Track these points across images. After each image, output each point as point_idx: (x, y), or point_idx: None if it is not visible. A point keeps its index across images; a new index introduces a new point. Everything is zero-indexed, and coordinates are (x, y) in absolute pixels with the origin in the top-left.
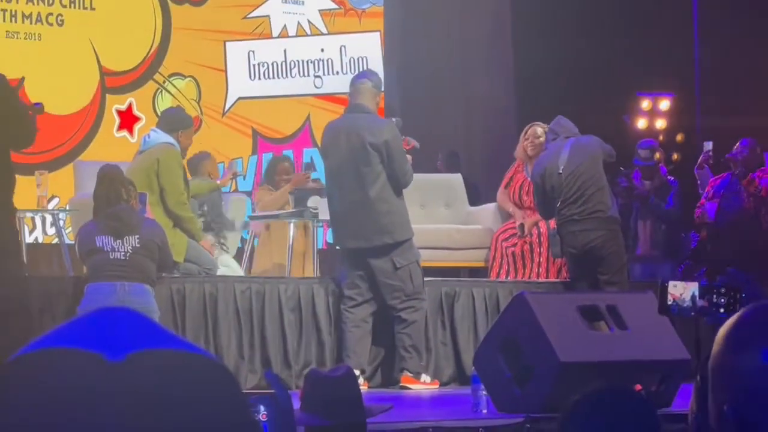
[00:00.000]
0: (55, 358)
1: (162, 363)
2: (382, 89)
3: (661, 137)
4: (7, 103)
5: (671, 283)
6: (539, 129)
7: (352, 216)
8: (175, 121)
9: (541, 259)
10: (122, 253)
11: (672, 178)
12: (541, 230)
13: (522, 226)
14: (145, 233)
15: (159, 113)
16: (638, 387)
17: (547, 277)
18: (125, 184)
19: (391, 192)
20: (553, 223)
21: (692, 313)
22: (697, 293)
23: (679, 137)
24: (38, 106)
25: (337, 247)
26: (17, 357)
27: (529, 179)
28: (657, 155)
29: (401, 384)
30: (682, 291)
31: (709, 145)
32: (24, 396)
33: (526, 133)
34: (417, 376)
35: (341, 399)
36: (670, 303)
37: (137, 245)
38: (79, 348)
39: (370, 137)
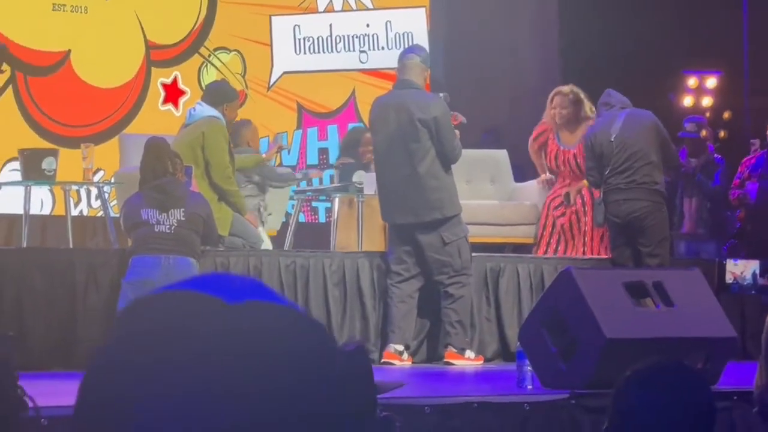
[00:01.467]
0: (177, 299)
1: (275, 313)
2: (429, 65)
3: (707, 115)
4: None
5: (730, 261)
6: (563, 98)
7: (401, 191)
8: (220, 94)
9: (586, 229)
10: (167, 226)
11: (719, 156)
12: (585, 198)
13: (567, 195)
14: (191, 206)
15: (204, 87)
16: None
17: (591, 249)
18: (171, 156)
19: (440, 167)
20: (597, 192)
21: (753, 291)
22: (758, 271)
23: (726, 115)
24: None
25: (385, 222)
26: (141, 299)
27: (562, 148)
28: (703, 132)
29: (445, 360)
30: (743, 269)
31: (756, 143)
32: (146, 333)
33: (552, 101)
34: (461, 351)
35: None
36: (730, 281)
37: (182, 218)
38: (200, 291)
39: (419, 113)
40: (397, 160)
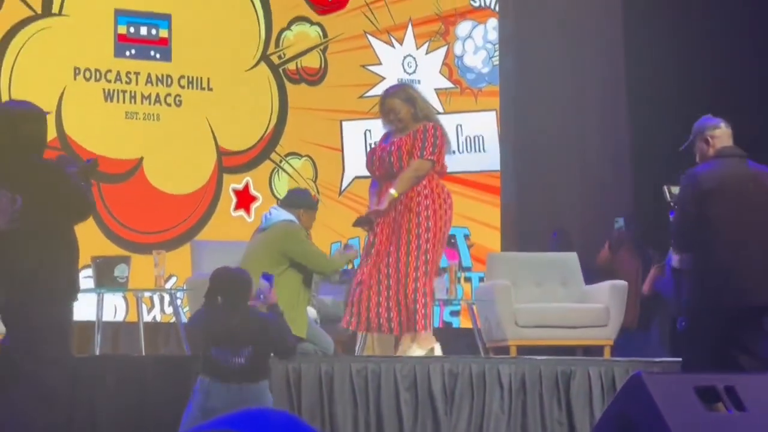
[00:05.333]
0: None
1: None
2: None
3: None
4: (56, 175)
5: None
6: None
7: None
8: (299, 199)
9: None
10: (238, 363)
11: None
12: None
13: None
14: (260, 336)
15: (276, 192)
16: None
17: None
18: (239, 290)
19: None
20: None
21: None
22: None
23: None
24: (89, 163)
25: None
26: None
27: None
28: None
29: None
30: None
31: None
32: None
33: None
34: None
35: None
36: None
37: (253, 353)
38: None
39: None
40: None
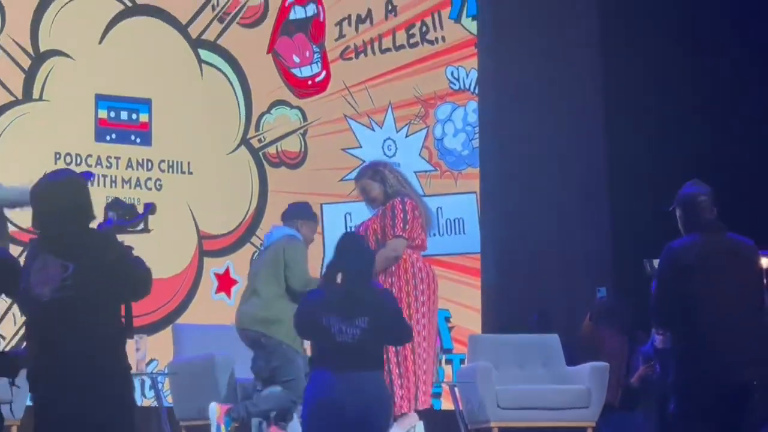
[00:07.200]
0: None
1: None
2: None
3: None
4: (113, 247)
5: None
6: None
7: None
8: (297, 210)
9: None
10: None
11: None
12: None
13: None
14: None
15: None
16: None
17: None
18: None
19: None
20: None
21: None
22: None
23: None
24: (149, 207)
25: None
26: None
27: None
28: None
29: None
30: None
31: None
32: None
33: None
34: None
35: None
36: None
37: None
38: None
39: None
40: None
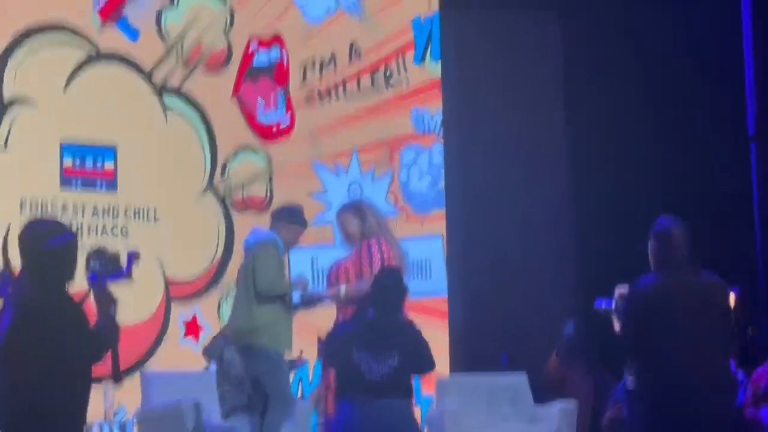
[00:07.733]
0: None
1: None
2: None
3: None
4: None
5: None
6: None
7: None
8: (282, 211)
9: None
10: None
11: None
12: None
13: None
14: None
15: (224, 321)
16: None
17: None
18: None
19: None
20: None
21: None
22: None
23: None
24: (132, 258)
25: None
26: None
27: None
28: None
29: None
30: None
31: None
32: None
33: None
34: None
35: None
36: None
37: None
38: None
39: None
40: None
